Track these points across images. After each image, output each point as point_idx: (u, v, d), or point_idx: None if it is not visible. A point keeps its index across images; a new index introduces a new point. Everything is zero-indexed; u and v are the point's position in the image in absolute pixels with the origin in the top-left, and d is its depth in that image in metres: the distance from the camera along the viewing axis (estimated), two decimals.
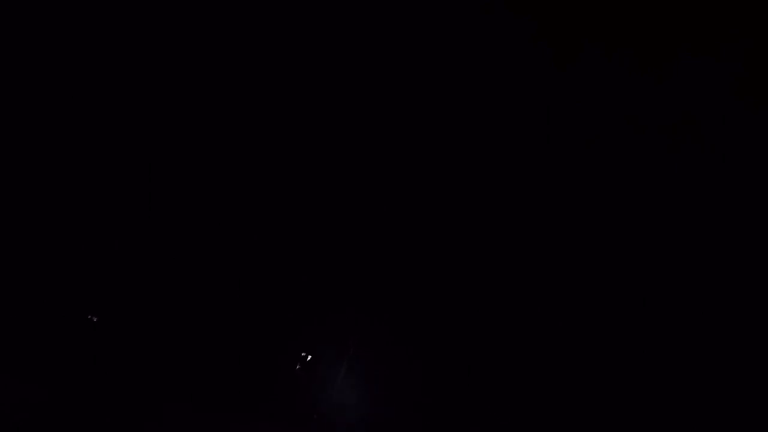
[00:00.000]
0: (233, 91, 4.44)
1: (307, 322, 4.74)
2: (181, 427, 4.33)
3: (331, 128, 4.53)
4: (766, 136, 4.26)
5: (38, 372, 4.33)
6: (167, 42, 4.31)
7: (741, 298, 4.75)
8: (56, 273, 4.50)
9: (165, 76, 4.41)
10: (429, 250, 4.92)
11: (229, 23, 4.23)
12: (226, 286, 4.67)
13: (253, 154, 4.64)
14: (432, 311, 4.96)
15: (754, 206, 4.60)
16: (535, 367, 4.88)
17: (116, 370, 4.44)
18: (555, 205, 4.77)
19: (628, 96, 4.18)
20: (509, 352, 4.87)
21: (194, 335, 4.57)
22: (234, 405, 4.53)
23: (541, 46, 4.01)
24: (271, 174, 4.71)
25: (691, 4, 3.83)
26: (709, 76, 4.04)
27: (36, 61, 4.40)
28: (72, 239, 4.53)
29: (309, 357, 4.72)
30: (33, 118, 4.55)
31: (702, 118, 4.22)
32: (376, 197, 4.81)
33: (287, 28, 4.20)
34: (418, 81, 4.26)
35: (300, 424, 4.60)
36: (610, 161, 4.49)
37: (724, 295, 4.76)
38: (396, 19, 4.02)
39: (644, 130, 4.31)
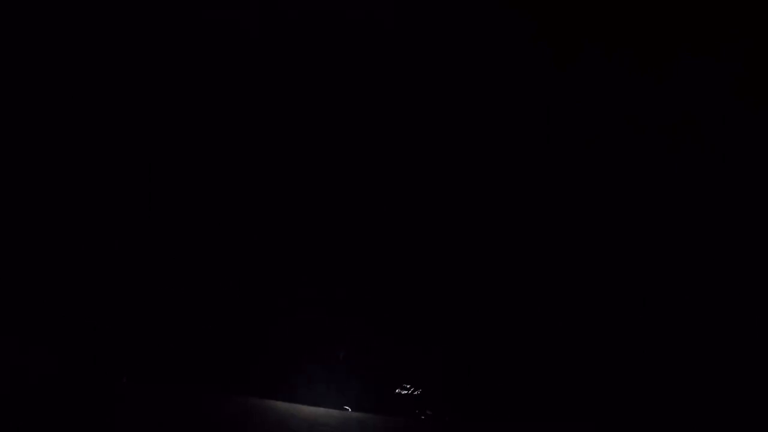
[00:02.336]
0: (233, 91, 4.45)
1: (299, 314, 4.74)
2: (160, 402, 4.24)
3: (329, 127, 4.53)
4: (766, 136, 4.26)
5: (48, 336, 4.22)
6: (167, 41, 4.31)
7: (741, 298, 4.75)
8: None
9: (165, 75, 4.41)
10: (428, 250, 4.93)
11: (228, 22, 4.23)
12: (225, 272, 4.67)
13: (250, 148, 4.65)
14: (430, 311, 4.96)
15: (754, 206, 4.60)
16: (536, 366, 4.88)
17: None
18: (555, 205, 4.78)
19: (628, 96, 4.19)
20: (509, 351, 4.88)
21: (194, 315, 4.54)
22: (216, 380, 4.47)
23: (541, 46, 4.02)
24: (269, 172, 4.72)
25: (691, 4, 3.83)
26: (709, 76, 4.05)
27: (36, 61, 4.40)
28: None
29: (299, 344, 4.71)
30: (33, 117, 4.56)
31: (702, 118, 4.23)
32: (375, 197, 4.81)
33: (287, 27, 4.20)
34: (416, 80, 4.27)
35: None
36: (610, 161, 4.50)
37: (724, 295, 4.77)
38: (394, 19, 4.02)
39: (644, 130, 4.31)
